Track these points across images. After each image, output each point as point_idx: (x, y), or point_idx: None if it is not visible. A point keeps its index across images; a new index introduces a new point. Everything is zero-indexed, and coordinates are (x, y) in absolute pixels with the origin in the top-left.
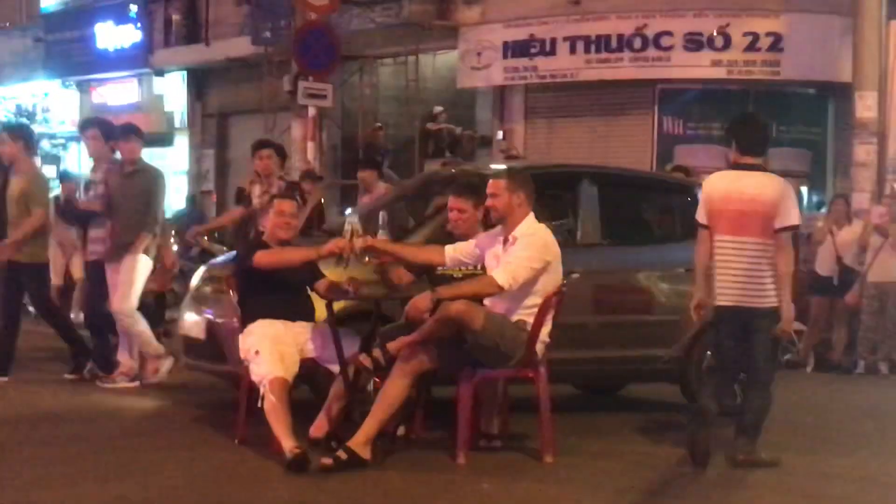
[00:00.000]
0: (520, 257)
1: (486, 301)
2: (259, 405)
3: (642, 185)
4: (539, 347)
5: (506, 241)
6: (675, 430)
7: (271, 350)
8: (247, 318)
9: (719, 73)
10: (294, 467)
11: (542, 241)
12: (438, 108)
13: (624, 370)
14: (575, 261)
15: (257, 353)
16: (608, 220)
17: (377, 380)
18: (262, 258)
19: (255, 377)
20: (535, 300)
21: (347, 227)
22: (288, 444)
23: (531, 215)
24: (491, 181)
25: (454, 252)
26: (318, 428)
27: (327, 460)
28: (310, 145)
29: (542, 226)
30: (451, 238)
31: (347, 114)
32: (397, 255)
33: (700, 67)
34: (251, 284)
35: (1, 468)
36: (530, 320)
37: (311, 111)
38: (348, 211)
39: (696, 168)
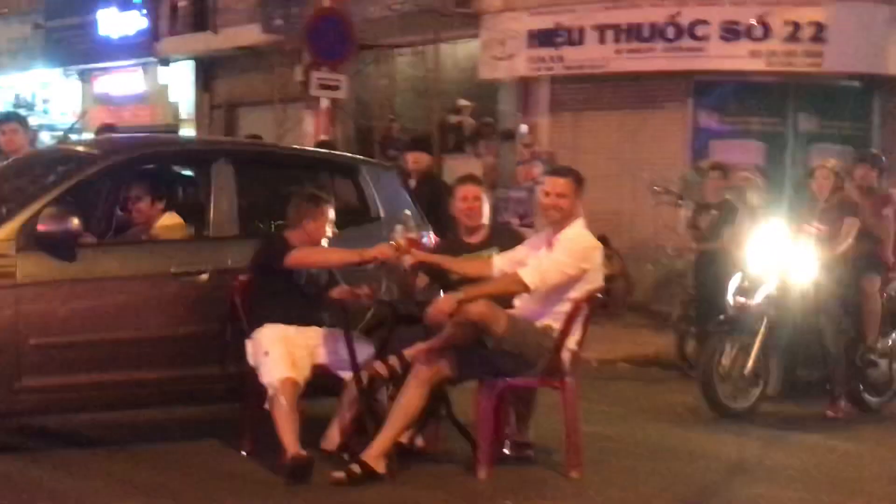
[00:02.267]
0: (555, 260)
1: (517, 303)
2: (267, 407)
3: (295, 164)
4: (566, 356)
5: (550, 244)
6: (707, 442)
7: (282, 352)
8: (255, 323)
9: (758, 64)
10: (295, 474)
11: (582, 248)
12: (463, 102)
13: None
14: (204, 258)
15: (267, 353)
16: (250, 209)
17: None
18: (298, 258)
19: (264, 379)
20: (565, 307)
21: (397, 235)
22: (292, 450)
23: (581, 219)
24: (558, 180)
25: (503, 262)
26: (330, 441)
27: (339, 474)
28: (322, 139)
29: (588, 233)
30: None
31: (362, 106)
32: (450, 269)
33: (738, 58)
34: (268, 287)
35: None
36: (558, 326)
37: (324, 103)
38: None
39: (734, 165)
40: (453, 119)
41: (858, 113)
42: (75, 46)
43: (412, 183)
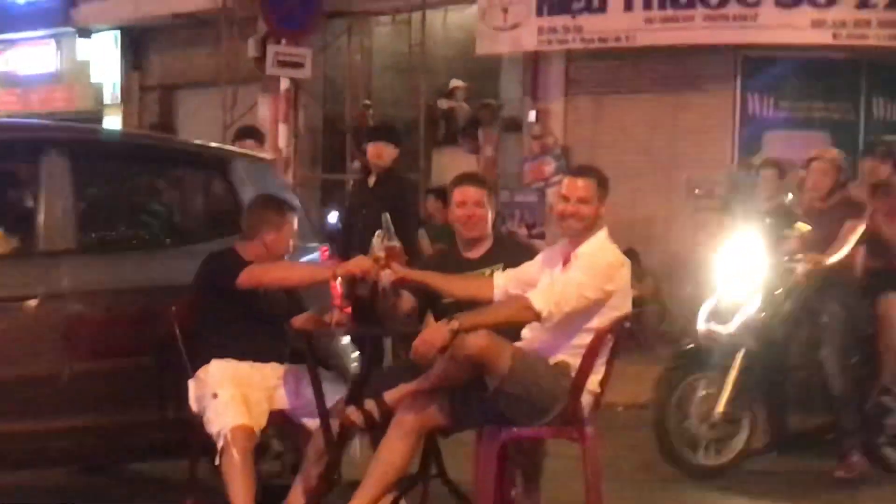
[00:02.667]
0: (572, 281)
1: (525, 333)
2: (216, 463)
3: (149, 157)
4: (586, 399)
5: (566, 260)
6: None
7: (234, 394)
8: (199, 358)
9: (822, 37)
10: None
11: (606, 265)
12: (457, 82)
13: (120, 444)
14: (32, 279)
15: (215, 396)
16: (91, 215)
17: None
18: (255, 275)
19: (212, 427)
20: (585, 339)
21: (376, 246)
22: None
23: (604, 230)
24: (578, 181)
25: (507, 282)
26: (298, 497)
27: None
28: (281, 128)
29: (613, 247)
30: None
31: (332, 88)
32: (438, 289)
33: (797, 30)
34: (215, 312)
35: None
36: (575, 363)
37: (284, 84)
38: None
39: (792, 162)
40: (444, 104)
41: None
42: None
43: (370, 181)
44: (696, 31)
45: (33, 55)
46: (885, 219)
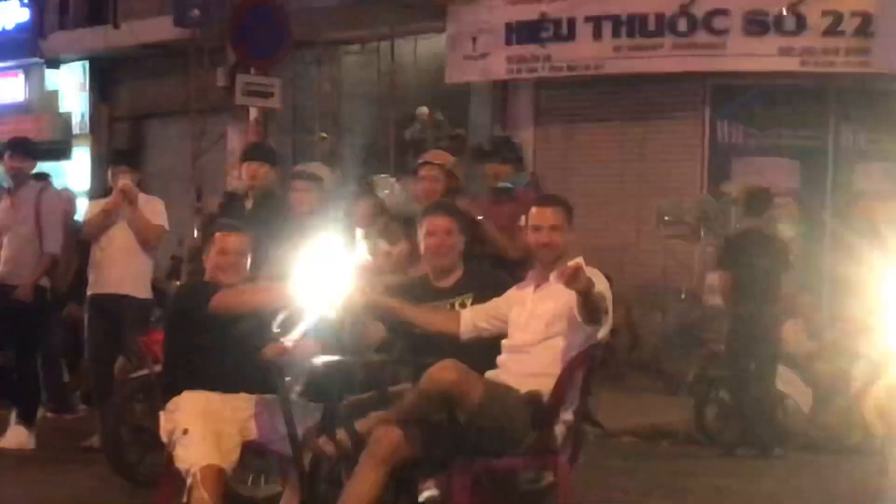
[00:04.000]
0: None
1: (503, 359)
2: (184, 502)
3: None
4: (559, 429)
5: (538, 284)
6: None
7: (203, 429)
8: (172, 389)
9: (790, 64)
10: None
11: (605, 287)
12: (423, 109)
13: None
14: None
15: (186, 432)
16: None
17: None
18: (228, 299)
19: (180, 464)
20: (558, 367)
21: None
22: None
23: (580, 257)
24: (546, 210)
25: (472, 316)
26: None
27: None
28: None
29: (595, 270)
30: None
31: (301, 117)
32: (406, 318)
33: (765, 57)
34: (186, 343)
35: None
36: (549, 392)
37: (254, 113)
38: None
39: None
40: (409, 134)
41: None
42: None
43: (248, 204)
44: (665, 59)
45: (1, 86)
46: (507, 224)
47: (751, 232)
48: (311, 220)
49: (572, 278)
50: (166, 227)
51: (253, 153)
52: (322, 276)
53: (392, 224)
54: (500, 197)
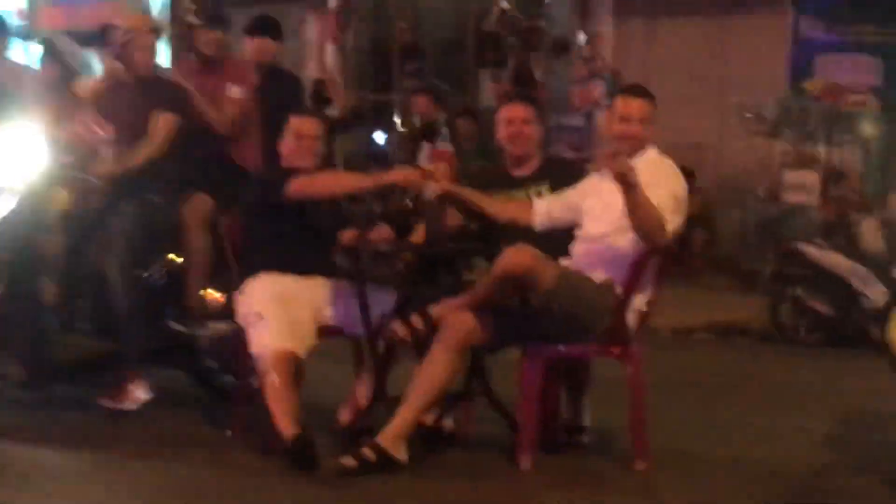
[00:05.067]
0: (661, 195)
1: (577, 248)
2: (257, 386)
3: None
4: (631, 318)
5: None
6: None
7: (277, 314)
8: (248, 271)
9: None
10: (294, 458)
11: (674, 172)
12: (504, 2)
13: None
14: None
15: (260, 316)
16: None
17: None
18: (304, 185)
19: (254, 348)
20: (631, 257)
21: (422, 155)
22: (289, 431)
23: (654, 147)
24: (634, 101)
25: (546, 206)
26: (345, 416)
27: (349, 461)
28: (329, 48)
29: (667, 158)
30: None
31: (379, 8)
32: (480, 207)
33: None
34: (264, 227)
35: None
36: (620, 279)
37: (332, 3)
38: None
39: (844, 86)
40: (490, 23)
41: None
42: None
43: (255, 79)
44: None
45: None
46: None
47: None
48: None
49: (620, 177)
50: None
51: (257, 27)
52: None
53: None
54: (212, 66)
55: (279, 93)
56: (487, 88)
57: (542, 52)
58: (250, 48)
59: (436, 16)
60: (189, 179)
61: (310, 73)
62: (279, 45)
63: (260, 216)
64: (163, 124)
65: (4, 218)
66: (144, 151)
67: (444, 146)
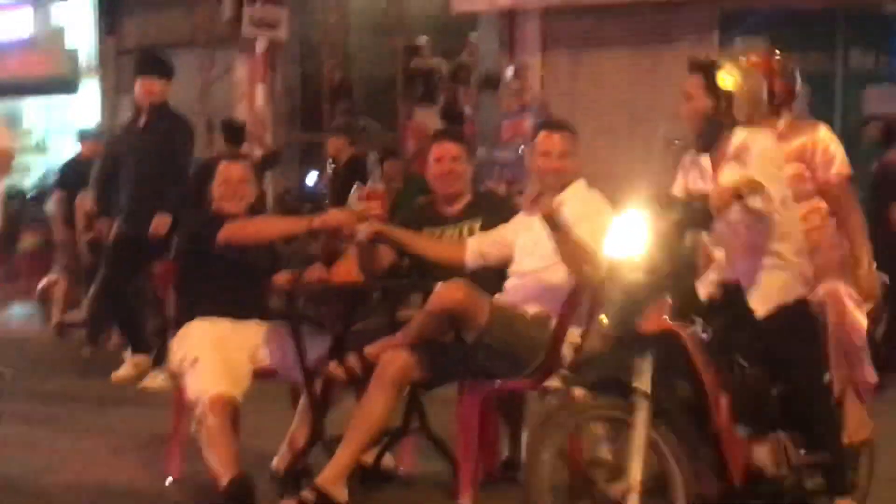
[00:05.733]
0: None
1: (510, 284)
2: (193, 430)
3: None
4: (567, 350)
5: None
6: None
7: (213, 358)
8: (183, 316)
9: None
10: (232, 501)
11: (605, 209)
12: (423, 38)
13: None
14: None
15: (196, 360)
16: None
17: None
18: (234, 231)
19: (190, 393)
20: (564, 291)
21: (353, 197)
22: (228, 473)
23: (582, 180)
24: (554, 135)
25: (478, 244)
26: (282, 459)
27: (290, 503)
28: (259, 88)
29: (595, 192)
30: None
31: (308, 48)
32: (413, 248)
33: None
34: (198, 270)
35: None
36: (555, 313)
37: (261, 45)
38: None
39: None
40: (418, 64)
41: None
42: None
43: (140, 122)
44: None
45: (8, 20)
46: None
47: None
48: None
49: (546, 219)
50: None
51: (145, 67)
52: None
53: None
54: None
55: (165, 133)
56: (408, 126)
57: (471, 86)
58: (137, 89)
59: (366, 54)
60: None
61: (239, 114)
62: (166, 84)
63: (193, 261)
64: None
65: None
66: None
67: (376, 186)
